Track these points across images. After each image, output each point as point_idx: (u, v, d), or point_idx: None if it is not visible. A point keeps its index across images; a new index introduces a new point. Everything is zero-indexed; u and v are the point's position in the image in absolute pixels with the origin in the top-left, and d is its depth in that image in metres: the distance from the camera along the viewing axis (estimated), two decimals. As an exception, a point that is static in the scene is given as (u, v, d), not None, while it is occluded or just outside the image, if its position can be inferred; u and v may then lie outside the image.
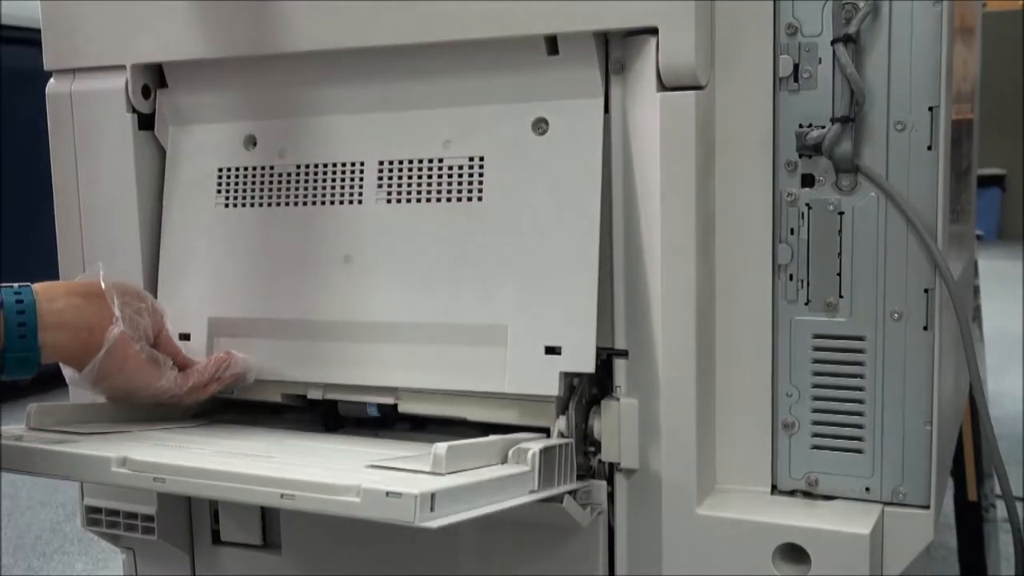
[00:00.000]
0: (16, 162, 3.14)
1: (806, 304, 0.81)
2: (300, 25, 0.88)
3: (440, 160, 0.87)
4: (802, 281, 0.81)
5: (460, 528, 0.88)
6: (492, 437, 0.79)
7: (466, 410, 0.86)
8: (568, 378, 0.84)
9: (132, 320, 0.85)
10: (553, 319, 0.81)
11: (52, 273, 1.00)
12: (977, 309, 2.01)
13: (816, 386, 0.82)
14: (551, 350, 0.81)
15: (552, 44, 0.82)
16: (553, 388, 0.81)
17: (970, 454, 1.80)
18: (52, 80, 1.01)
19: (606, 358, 0.85)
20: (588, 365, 0.80)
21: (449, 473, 0.69)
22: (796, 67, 0.79)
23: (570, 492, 0.81)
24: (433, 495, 0.63)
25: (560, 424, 0.83)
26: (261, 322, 0.93)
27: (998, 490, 1.77)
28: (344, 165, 0.91)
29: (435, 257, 0.86)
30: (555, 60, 0.82)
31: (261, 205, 0.94)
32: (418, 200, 0.87)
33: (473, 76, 0.86)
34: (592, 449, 0.85)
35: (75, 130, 1.00)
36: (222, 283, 0.95)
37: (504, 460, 0.77)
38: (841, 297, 0.80)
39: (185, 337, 0.95)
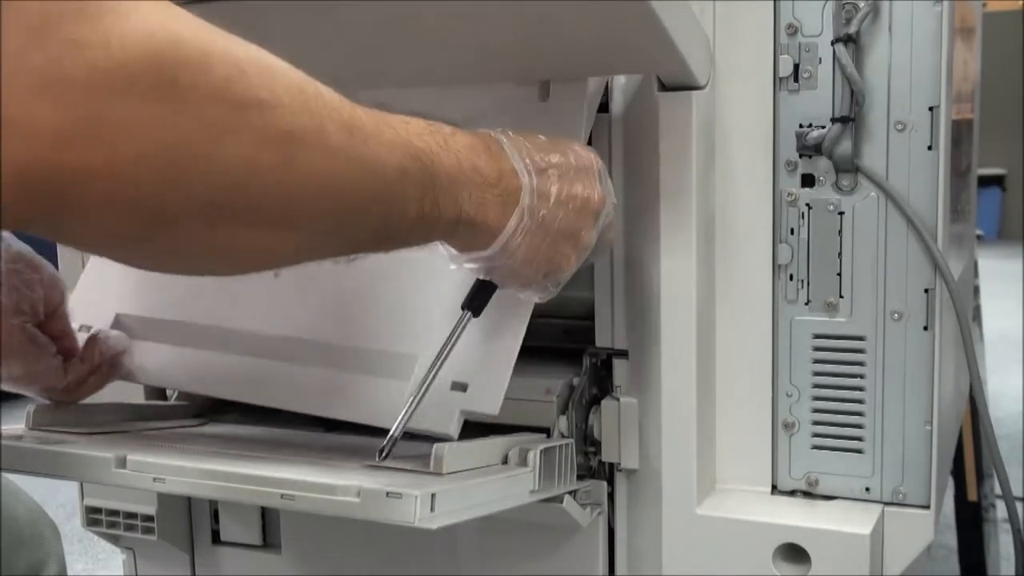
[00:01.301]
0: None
1: (806, 304, 0.81)
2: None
3: None
4: (802, 281, 0.81)
5: (460, 528, 0.88)
6: (492, 437, 0.79)
7: (466, 410, 0.86)
8: (568, 378, 0.84)
9: (18, 291, 0.76)
10: (468, 353, 0.74)
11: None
12: (977, 309, 2.00)
13: (816, 386, 0.82)
14: (457, 386, 0.75)
15: (545, 89, 0.81)
16: (449, 427, 0.74)
17: (970, 454, 1.80)
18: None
19: (606, 358, 0.85)
20: (492, 407, 0.74)
21: (449, 473, 0.69)
22: (796, 67, 0.79)
23: (570, 492, 0.81)
24: (433, 495, 0.63)
25: (560, 424, 0.83)
26: (171, 325, 0.87)
27: (998, 490, 1.77)
28: None
29: (362, 276, 0.80)
30: (544, 107, 0.80)
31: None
32: None
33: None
34: (592, 449, 0.85)
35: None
36: (138, 277, 0.88)
37: (504, 460, 0.77)
38: (841, 297, 0.80)
39: (85, 329, 0.87)
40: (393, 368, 0.77)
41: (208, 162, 0.44)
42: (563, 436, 0.82)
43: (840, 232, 0.80)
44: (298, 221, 0.50)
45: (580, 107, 0.79)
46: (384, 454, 0.69)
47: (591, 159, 0.69)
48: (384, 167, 0.53)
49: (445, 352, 0.70)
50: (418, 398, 0.69)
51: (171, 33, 0.42)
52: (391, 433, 0.69)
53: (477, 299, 0.70)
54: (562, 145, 0.68)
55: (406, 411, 0.69)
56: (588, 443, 0.85)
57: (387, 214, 0.56)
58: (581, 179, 0.67)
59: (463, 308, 0.70)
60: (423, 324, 0.77)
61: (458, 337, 0.70)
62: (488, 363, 0.74)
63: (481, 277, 0.69)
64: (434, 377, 0.69)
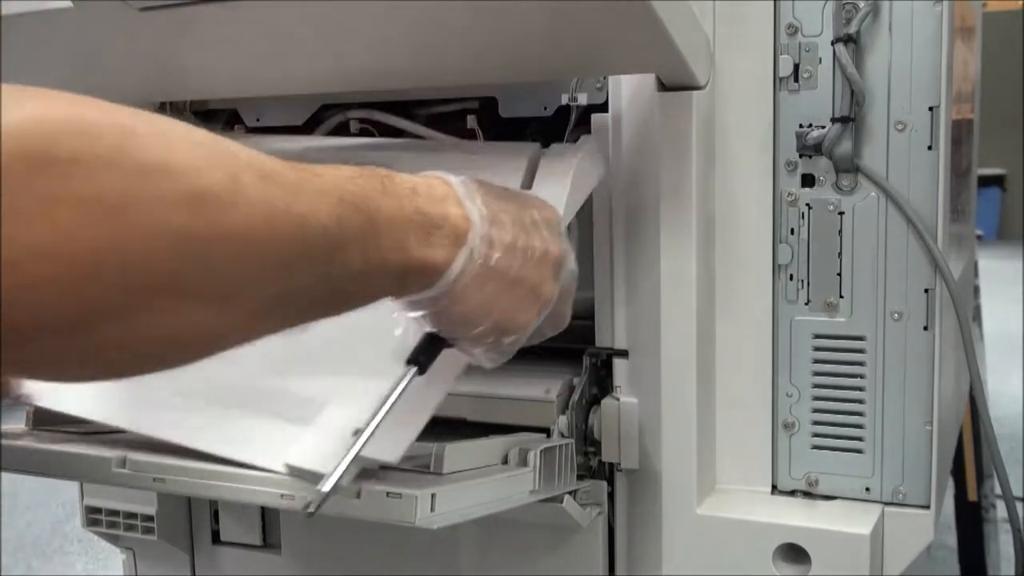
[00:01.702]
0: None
1: (806, 304, 0.81)
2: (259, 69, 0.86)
3: None
4: (802, 281, 0.81)
5: (460, 528, 0.88)
6: (492, 437, 0.79)
7: (466, 410, 0.86)
8: (568, 378, 0.84)
9: None
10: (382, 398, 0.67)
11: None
12: (977, 309, 2.01)
13: (816, 386, 0.82)
14: (360, 432, 0.66)
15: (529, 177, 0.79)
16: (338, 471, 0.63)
17: (970, 454, 1.81)
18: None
19: (606, 358, 0.85)
20: (391, 456, 0.67)
21: (449, 473, 0.69)
22: (796, 67, 0.79)
23: (570, 492, 0.81)
24: (434, 495, 0.63)
25: (560, 424, 0.83)
26: None
27: (998, 490, 1.77)
28: None
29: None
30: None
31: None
32: None
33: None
34: (592, 449, 0.85)
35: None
36: None
37: (504, 460, 0.77)
38: (841, 297, 0.80)
39: None
40: (293, 411, 0.72)
41: (124, 236, 0.41)
42: (563, 436, 0.82)
43: (840, 232, 0.80)
44: (236, 289, 0.46)
45: (560, 198, 0.76)
46: (313, 510, 0.62)
47: (553, 215, 0.67)
48: (316, 216, 0.49)
49: (385, 410, 0.63)
50: (351, 456, 0.62)
51: (33, 110, 0.39)
52: (322, 489, 0.61)
53: (424, 354, 0.65)
54: (521, 197, 0.66)
55: (340, 467, 0.61)
56: (588, 443, 0.85)
57: (329, 268, 0.51)
58: (540, 232, 0.64)
59: (408, 363, 0.65)
60: (333, 367, 0.73)
61: (400, 394, 0.64)
62: (402, 412, 0.67)
63: (429, 329, 0.64)
64: (372, 435, 0.62)
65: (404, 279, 0.57)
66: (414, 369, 0.64)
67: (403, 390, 0.64)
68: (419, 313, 0.62)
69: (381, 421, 0.63)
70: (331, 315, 0.55)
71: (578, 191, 0.78)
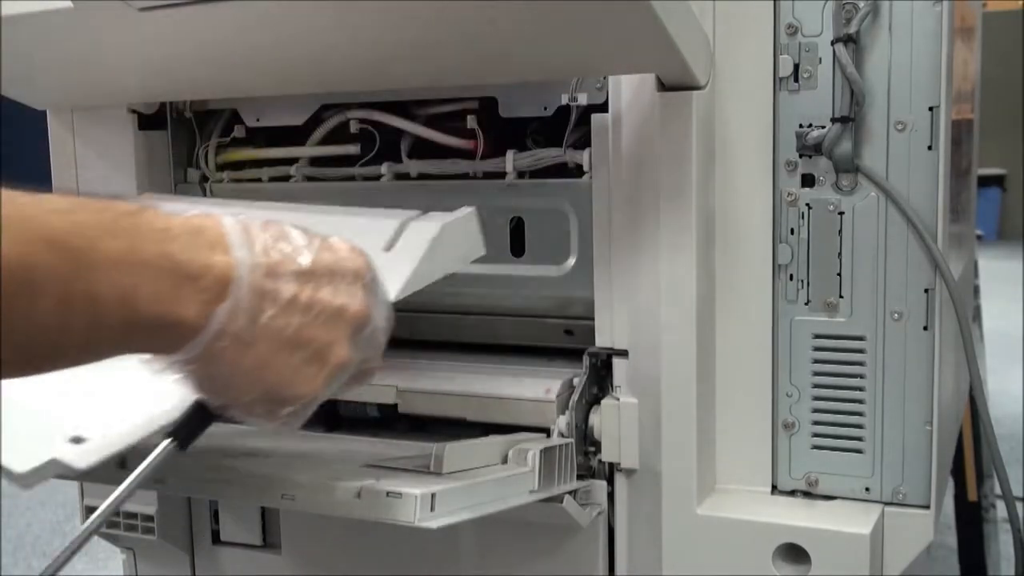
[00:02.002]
0: (16, 163, 3.14)
1: (806, 304, 0.81)
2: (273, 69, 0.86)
3: None
4: (802, 281, 0.81)
5: (460, 528, 0.88)
6: (492, 437, 0.79)
7: (466, 410, 0.86)
8: (568, 378, 0.84)
9: None
10: (117, 413, 0.66)
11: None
12: (977, 309, 2.01)
13: (816, 386, 0.82)
14: (75, 439, 0.64)
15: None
16: (25, 467, 0.62)
17: (970, 454, 1.81)
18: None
19: (606, 358, 0.85)
20: (82, 463, 0.63)
21: (449, 473, 0.69)
22: (796, 67, 0.79)
23: (570, 492, 0.81)
24: (433, 495, 0.63)
25: (560, 424, 0.83)
26: None
27: (998, 490, 1.77)
28: None
29: None
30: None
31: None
32: None
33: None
34: (592, 449, 0.85)
35: (74, 129, 1.00)
36: None
37: (504, 460, 0.77)
38: (841, 297, 0.80)
39: None
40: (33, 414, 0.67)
41: None
42: (563, 436, 0.82)
43: (840, 232, 0.80)
44: None
45: (410, 263, 0.70)
46: None
47: (360, 267, 0.57)
48: None
49: (135, 480, 0.57)
50: (95, 524, 0.57)
51: None
52: (59, 557, 0.56)
53: (187, 427, 0.58)
54: (321, 243, 0.56)
55: (75, 541, 0.57)
56: (588, 443, 0.85)
57: (16, 312, 0.43)
58: (336, 284, 0.55)
59: (169, 435, 0.58)
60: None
61: (154, 466, 0.57)
62: (122, 430, 0.64)
63: (195, 394, 0.56)
64: (121, 503, 0.58)
65: (131, 335, 0.48)
66: (174, 444, 0.57)
67: (158, 461, 0.57)
68: (174, 375, 0.53)
69: (132, 490, 0.57)
70: (60, 366, 0.47)
71: (436, 260, 0.72)
